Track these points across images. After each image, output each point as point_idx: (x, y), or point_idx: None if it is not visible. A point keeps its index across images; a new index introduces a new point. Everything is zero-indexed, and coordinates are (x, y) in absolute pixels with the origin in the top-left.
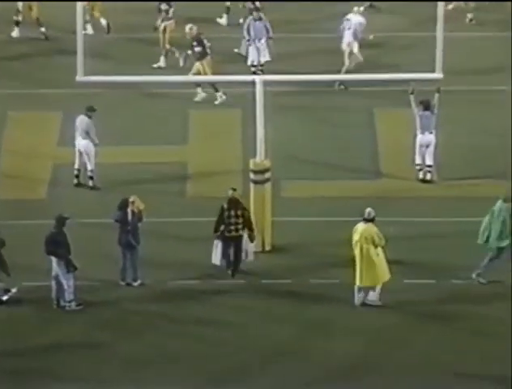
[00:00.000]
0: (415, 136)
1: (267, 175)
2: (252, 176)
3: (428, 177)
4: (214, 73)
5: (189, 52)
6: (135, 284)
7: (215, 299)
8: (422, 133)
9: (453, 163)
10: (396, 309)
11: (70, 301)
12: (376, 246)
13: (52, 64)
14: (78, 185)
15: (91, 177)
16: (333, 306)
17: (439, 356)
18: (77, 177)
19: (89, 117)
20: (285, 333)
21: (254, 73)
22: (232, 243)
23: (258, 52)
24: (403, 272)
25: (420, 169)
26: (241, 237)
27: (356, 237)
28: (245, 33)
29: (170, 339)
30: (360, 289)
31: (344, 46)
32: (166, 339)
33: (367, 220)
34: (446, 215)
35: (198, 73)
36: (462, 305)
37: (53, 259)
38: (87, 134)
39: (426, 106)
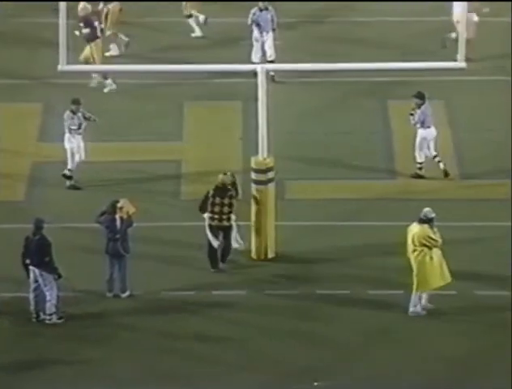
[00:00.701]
0: (415, 132)
1: (270, 175)
2: (253, 175)
3: (442, 166)
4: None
5: (77, 32)
6: (124, 295)
7: (212, 312)
8: (427, 127)
9: (474, 159)
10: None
11: (51, 314)
12: (430, 248)
13: (32, 53)
14: (72, 187)
15: (70, 177)
16: (343, 320)
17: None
18: (69, 178)
19: (73, 111)
20: (290, 351)
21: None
22: (217, 232)
23: (263, 46)
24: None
25: (421, 167)
26: (226, 227)
27: (408, 239)
28: (252, 26)
29: (162, 356)
30: (417, 296)
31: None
32: (157, 356)
33: (423, 221)
34: (471, 218)
35: (88, 57)
36: None
37: (32, 267)
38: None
39: (422, 97)
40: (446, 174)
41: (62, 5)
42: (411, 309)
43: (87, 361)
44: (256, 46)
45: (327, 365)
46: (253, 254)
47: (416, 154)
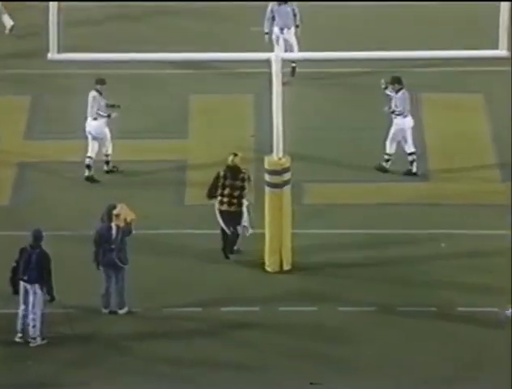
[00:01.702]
0: (390, 121)
1: (286, 176)
2: (267, 177)
3: (414, 168)
4: None
5: None
6: (121, 312)
7: (220, 331)
8: (404, 116)
9: None
10: None
11: (34, 338)
12: None
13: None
14: (89, 179)
15: (107, 162)
16: (369, 342)
17: None
18: (88, 167)
19: (98, 91)
20: (308, 377)
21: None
22: (227, 218)
23: (285, 46)
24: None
25: (389, 160)
26: (235, 213)
27: None
28: (266, 24)
29: (163, 382)
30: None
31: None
32: (158, 382)
33: None
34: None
35: None
36: None
37: (26, 285)
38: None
39: (399, 82)
40: (409, 173)
41: None
42: None
43: (76, 386)
44: (277, 46)
45: None
46: (267, 266)
47: (387, 144)
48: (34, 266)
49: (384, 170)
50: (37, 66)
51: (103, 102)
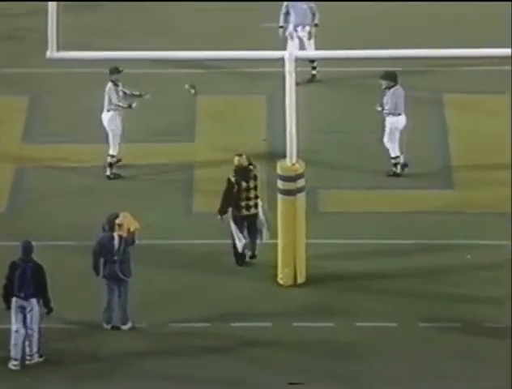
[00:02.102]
0: (383, 120)
1: (300, 183)
2: (279, 184)
3: (398, 169)
4: None
5: None
6: (124, 327)
7: (230, 348)
8: (397, 114)
9: None
10: None
11: (31, 355)
12: None
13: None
14: (113, 176)
15: (110, 164)
16: (389, 359)
17: None
18: (110, 165)
19: (113, 82)
20: None
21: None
22: (246, 223)
23: (301, 45)
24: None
25: (397, 163)
26: (255, 216)
27: None
28: (281, 17)
29: None
30: None
31: None
32: None
33: None
34: None
35: None
36: None
37: (21, 302)
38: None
39: (393, 78)
40: (394, 174)
41: None
42: None
43: None
44: (290, 43)
45: None
46: (280, 279)
47: (388, 147)
48: (30, 281)
49: (397, 175)
50: (36, 64)
51: (121, 93)
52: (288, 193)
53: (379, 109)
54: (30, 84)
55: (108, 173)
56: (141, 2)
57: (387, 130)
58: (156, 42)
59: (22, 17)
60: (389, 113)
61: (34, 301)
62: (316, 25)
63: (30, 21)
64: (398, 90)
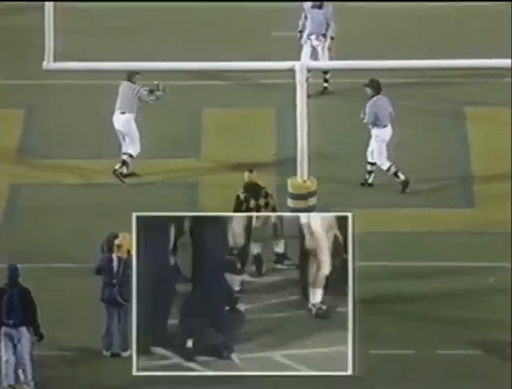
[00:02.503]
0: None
1: (312, 201)
2: (290, 202)
3: (371, 178)
4: None
5: None
6: (124, 354)
7: (238, 375)
8: (382, 126)
9: None
10: None
11: (26, 383)
12: None
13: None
14: (127, 174)
15: (124, 162)
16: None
17: None
18: (123, 163)
19: (131, 81)
20: None
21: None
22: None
23: (313, 54)
24: None
25: (397, 173)
26: None
27: None
28: (300, 23)
29: None
30: None
31: None
32: None
33: None
34: None
35: None
36: None
37: (9, 330)
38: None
39: (376, 86)
40: (365, 183)
41: None
42: None
43: None
44: (305, 49)
45: None
46: None
47: (381, 162)
48: (18, 307)
49: (406, 186)
50: (32, 76)
51: (142, 89)
52: (298, 211)
53: (362, 116)
54: (25, 96)
55: (117, 166)
56: (145, 7)
57: (372, 142)
58: (159, 51)
59: (19, 28)
60: (373, 125)
61: (24, 329)
62: (332, 38)
63: (27, 30)
64: (380, 99)
